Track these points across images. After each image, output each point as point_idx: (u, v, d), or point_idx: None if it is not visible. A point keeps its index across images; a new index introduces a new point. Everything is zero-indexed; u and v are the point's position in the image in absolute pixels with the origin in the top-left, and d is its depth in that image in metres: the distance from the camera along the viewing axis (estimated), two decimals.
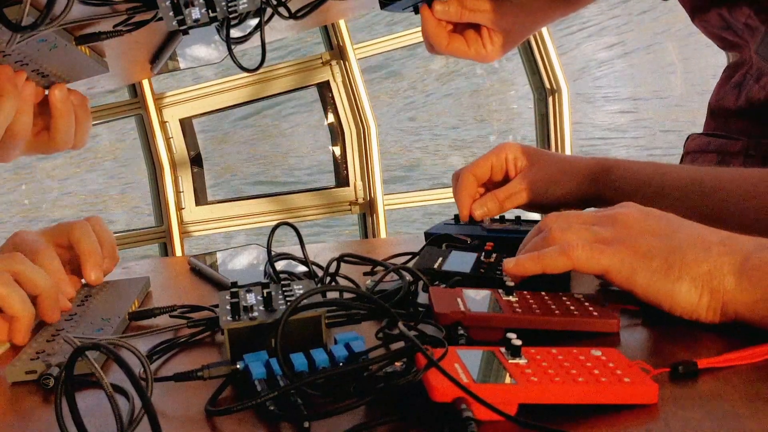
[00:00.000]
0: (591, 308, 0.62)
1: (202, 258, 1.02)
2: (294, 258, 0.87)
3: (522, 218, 0.93)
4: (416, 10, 0.95)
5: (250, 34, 0.81)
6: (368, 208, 3.32)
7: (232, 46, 0.78)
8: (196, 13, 0.71)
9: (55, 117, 0.81)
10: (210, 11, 0.72)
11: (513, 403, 0.45)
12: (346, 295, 0.65)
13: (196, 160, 3.31)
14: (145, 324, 0.75)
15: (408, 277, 0.72)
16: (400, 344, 0.51)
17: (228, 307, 0.62)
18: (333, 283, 0.78)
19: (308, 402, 0.49)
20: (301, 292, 0.64)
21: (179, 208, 3.27)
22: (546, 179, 0.90)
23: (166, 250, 3.28)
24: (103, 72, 0.88)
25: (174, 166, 3.25)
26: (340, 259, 0.81)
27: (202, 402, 0.52)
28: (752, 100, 0.97)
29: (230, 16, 0.73)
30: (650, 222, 0.63)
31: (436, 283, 0.71)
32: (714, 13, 0.93)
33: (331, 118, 3.32)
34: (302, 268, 0.85)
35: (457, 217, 0.93)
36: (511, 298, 0.63)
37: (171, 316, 0.74)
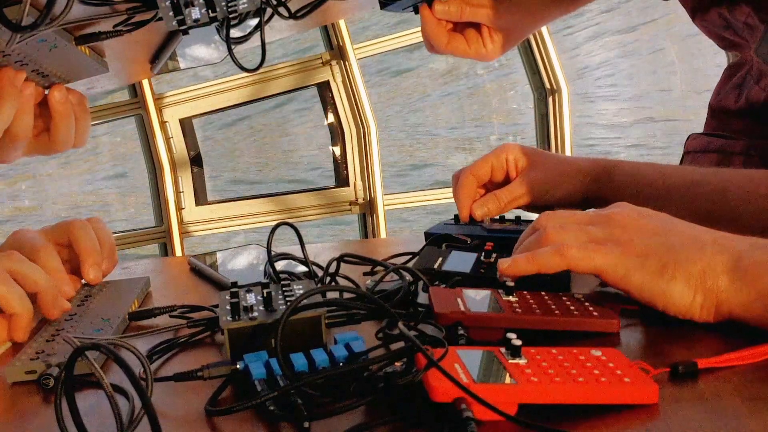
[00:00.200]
0: (591, 308, 0.62)
1: (202, 258, 1.02)
2: (294, 258, 0.87)
3: (522, 218, 0.93)
4: (416, 10, 0.95)
5: (250, 34, 0.81)
6: (368, 208, 3.32)
7: (232, 46, 0.78)
8: (196, 13, 0.71)
9: (55, 118, 0.81)
10: (210, 11, 0.71)
11: (513, 403, 0.45)
12: (346, 295, 0.65)
13: (196, 160, 3.31)
14: (145, 324, 0.74)
15: (408, 277, 0.72)
16: (400, 344, 0.52)
17: (228, 307, 0.62)
18: (333, 283, 0.78)
19: (308, 402, 0.48)
20: (301, 292, 0.64)
21: (179, 208, 3.27)
22: (546, 180, 0.90)
23: (166, 250, 3.28)
24: (103, 72, 0.88)
25: (174, 166, 3.24)
26: (340, 259, 0.81)
27: (202, 402, 0.52)
28: (752, 101, 0.97)
29: (230, 16, 0.73)
30: (644, 222, 0.64)
31: (436, 283, 0.71)
32: (714, 13, 0.93)
33: (331, 118, 3.32)
34: (302, 268, 0.85)
35: (457, 217, 0.93)
36: (511, 298, 0.63)
37: (171, 316, 0.74)
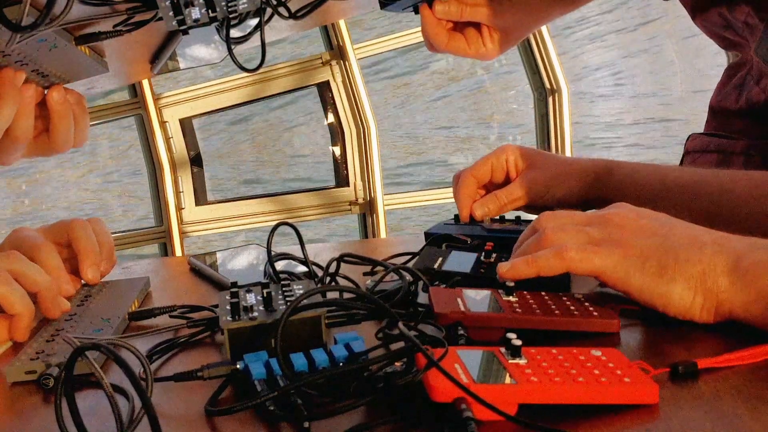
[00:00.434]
0: (591, 308, 0.62)
1: (202, 258, 1.02)
2: (294, 258, 0.87)
3: (522, 218, 0.93)
4: (416, 10, 0.95)
5: (250, 34, 0.81)
6: (368, 208, 3.32)
7: (232, 46, 0.78)
8: (196, 13, 0.71)
9: (54, 119, 0.81)
10: (210, 11, 0.71)
11: (513, 403, 0.45)
12: (346, 295, 0.65)
13: (196, 160, 3.31)
14: (145, 324, 0.74)
15: (408, 277, 0.72)
16: (400, 344, 0.51)
17: (228, 307, 0.62)
18: (333, 283, 0.78)
19: (308, 402, 0.48)
20: (301, 292, 0.64)
21: (179, 208, 3.27)
22: (547, 181, 0.90)
23: (166, 250, 3.28)
24: (103, 72, 0.88)
25: (174, 166, 3.24)
26: (340, 259, 0.81)
27: (202, 402, 0.52)
28: (752, 102, 0.97)
29: (230, 16, 0.73)
30: (644, 222, 0.64)
31: (436, 283, 0.71)
32: (714, 12, 0.93)
33: (331, 118, 3.31)
34: (302, 268, 0.85)
35: (457, 217, 0.93)
36: (511, 298, 0.63)
37: (171, 316, 0.74)
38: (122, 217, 7.20)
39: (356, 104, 3.24)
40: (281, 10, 0.79)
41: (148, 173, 3.28)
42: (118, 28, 0.74)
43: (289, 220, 0.84)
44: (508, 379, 0.47)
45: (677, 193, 0.83)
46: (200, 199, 3.31)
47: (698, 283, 0.58)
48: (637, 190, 0.85)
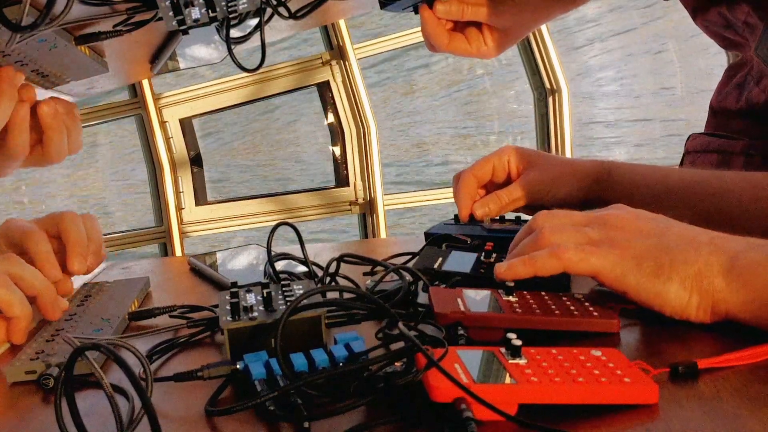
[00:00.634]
0: (591, 308, 0.62)
1: (202, 258, 1.02)
2: (294, 258, 0.87)
3: (522, 218, 0.93)
4: (416, 10, 0.95)
5: (250, 34, 0.81)
6: (368, 208, 3.32)
7: (232, 46, 0.78)
8: (195, 13, 0.71)
9: (47, 132, 0.81)
10: (210, 11, 0.71)
11: (513, 403, 0.45)
12: (346, 295, 0.65)
13: (196, 160, 3.31)
14: (145, 324, 0.74)
15: (408, 277, 0.72)
16: (400, 344, 0.51)
17: (228, 307, 0.62)
18: (333, 283, 0.78)
19: (308, 402, 0.49)
20: (301, 292, 0.64)
21: (179, 208, 3.27)
22: (547, 181, 0.90)
23: (166, 250, 3.28)
24: (102, 72, 0.88)
25: (174, 166, 3.24)
26: (340, 259, 0.81)
27: (202, 402, 0.52)
28: (752, 102, 0.97)
29: (230, 16, 0.73)
30: (641, 223, 0.64)
31: (436, 283, 0.71)
32: (714, 12, 0.93)
33: (331, 118, 3.31)
34: (302, 268, 0.85)
35: (457, 217, 0.93)
36: (511, 298, 0.63)
37: (171, 317, 0.74)
38: (122, 217, 7.20)
39: (356, 104, 3.24)
40: (281, 10, 0.79)
41: (148, 173, 3.28)
42: (118, 28, 0.74)
43: (289, 220, 0.84)
44: (508, 379, 0.47)
45: (678, 194, 0.83)
46: (200, 199, 3.31)
47: (694, 283, 0.59)
48: (638, 191, 0.85)
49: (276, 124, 7.57)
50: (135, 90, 3.16)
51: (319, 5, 0.84)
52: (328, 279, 0.78)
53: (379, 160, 3.29)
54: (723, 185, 0.80)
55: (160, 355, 0.64)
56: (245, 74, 3.07)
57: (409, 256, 0.87)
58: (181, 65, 1.23)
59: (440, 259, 0.78)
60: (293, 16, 0.81)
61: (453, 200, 0.95)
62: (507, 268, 0.64)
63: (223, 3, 0.72)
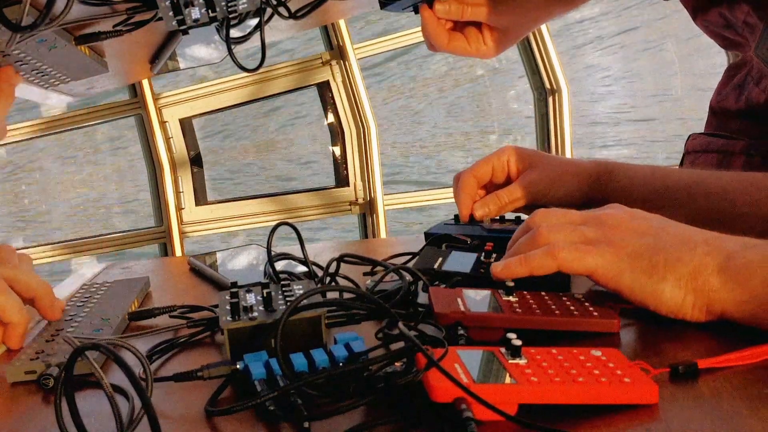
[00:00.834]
0: (591, 308, 0.62)
1: (202, 258, 1.02)
2: (294, 258, 0.87)
3: (522, 218, 0.93)
4: (416, 10, 0.95)
5: (250, 34, 0.81)
6: (368, 208, 3.32)
7: (232, 46, 0.78)
8: (195, 13, 0.71)
9: None
10: (210, 11, 0.71)
11: (513, 403, 0.45)
12: (346, 295, 0.65)
13: (196, 160, 3.31)
14: (145, 324, 0.74)
15: (408, 277, 0.72)
16: (400, 344, 0.51)
17: (228, 307, 0.62)
18: (333, 283, 0.78)
19: (308, 402, 0.49)
20: (301, 292, 0.64)
21: (179, 208, 3.27)
22: (547, 181, 0.90)
23: (166, 250, 3.28)
24: (102, 72, 0.88)
25: (174, 166, 3.24)
26: (340, 260, 0.81)
27: (202, 402, 0.52)
28: (752, 102, 0.97)
29: (230, 16, 0.73)
30: (636, 222, 0.64)
31: (436, 283, 0.71)
32: (714, 12, 0.93)
33: (331, 118, 3.31)
34: (302, 268, 0.85)
35: (457, 217, 0.93)
36: (511, 298, 0.63)
37: (171, 316, 0.74)
38: (122, 217, 7.20)
39: (356, 104, 3.24)
40: (281, 10, 0.79)
41: (148, 173, 3.28)
42: (118, 28, 0.74)
43: (289, 220, 0.84)
44: (508, 379, 0.47)
45: (677, 195, 0.83)
46: (200, 199, 3.31)
47: (688, 282, 0.59)
48: (638, 191, 0.85)
49: (276, 124, 7.58)
50: (135, 90, 3.16)
51: (319, 5, 0.84)
52: (328, 279, 0.78)
53: (379, 160, 3.29)
54: (721, 185, 0.80)
55: (160, 355, 0.64)
56: (245, 74, 3.07)
57: (409, 256, 0.87)
58: (181, 65, 1.23)
59: (440, 259, 0.78)
60: (293, 16, 0.81)
61: (453, 200, 0.95)
62: (503, 268, 0.65)
63: (223, 3, 0.72)
